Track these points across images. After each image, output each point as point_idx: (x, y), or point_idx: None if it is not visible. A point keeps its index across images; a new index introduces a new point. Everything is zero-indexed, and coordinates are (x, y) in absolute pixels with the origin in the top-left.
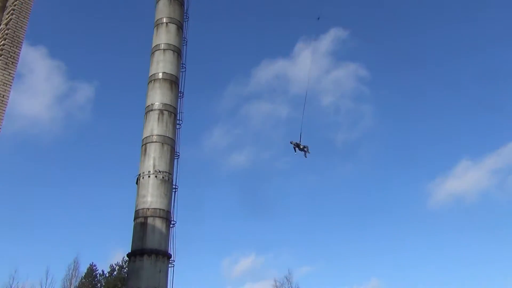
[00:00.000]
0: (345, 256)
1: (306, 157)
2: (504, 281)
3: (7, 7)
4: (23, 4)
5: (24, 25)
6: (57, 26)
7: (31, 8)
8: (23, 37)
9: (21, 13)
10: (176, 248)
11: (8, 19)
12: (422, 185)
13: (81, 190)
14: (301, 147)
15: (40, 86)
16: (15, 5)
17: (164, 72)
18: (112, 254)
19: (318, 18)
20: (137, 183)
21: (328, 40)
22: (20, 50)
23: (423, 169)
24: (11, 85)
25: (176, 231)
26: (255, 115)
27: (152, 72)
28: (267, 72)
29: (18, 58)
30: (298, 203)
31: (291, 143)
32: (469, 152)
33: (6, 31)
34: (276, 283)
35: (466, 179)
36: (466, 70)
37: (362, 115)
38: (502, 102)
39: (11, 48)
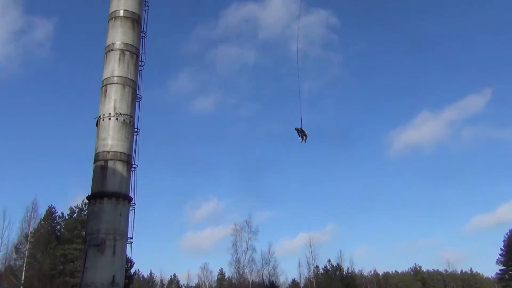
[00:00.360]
0: (304, 202)
1: (301, 142)
2: (454, 223)
3: None
4: None
5: None
6: None
7: None
8: None
9: None
10: (138, 192)
11: None
12: (383, 134)
13: (39, 131)
14: (301, 131)
15: None
16: None
17: (126, 10)
18: (72, 197)
19: None
20: (97, 125)
21: None
22: None
23: (384, 119)
24: None
25: (138, 175)
26: (222, 59)
27: (112, 9)
28: (236, 15)
29: None
30: (261, 150)
31: (296, 129)
32: (429, 104)
33: None
34: (236, 227)
35: (425, 129)
36: (434, 28)
37: (329, 63)
38: (464, 58)
39: None
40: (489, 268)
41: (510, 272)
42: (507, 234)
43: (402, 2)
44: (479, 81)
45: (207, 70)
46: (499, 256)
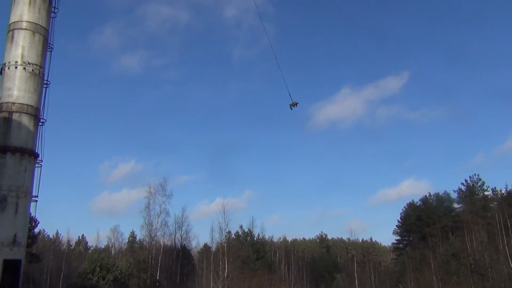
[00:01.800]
0: (224, 168)
1: (291, 109)
2: (362, 196)
3: None
4: None
5: None
6: None
7: None
8: None
9: None
10: (49, 148)
11: None
12: (305, 108)
13: None
14: (293, 105)
15: None
16: None
17: None
18: None
19: None
20: (0, 73)
21: None
22: None
23: (309, 92)
24: None
25: (50, 131)
26: (152, 17)
27: None
28: None
29: None
30: (186, 114)
31: (290, 106)
32: (351, 81)
33: None
34: (150, 189)
35: (344, 106)
36: (368, 12)
37: (263, 33)
38: (388, 35)
39: None
40: (387, 238)
41: (404, 242)
42: (404, 207)
43: None
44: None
45: (135, 27)
46: (395, 228)
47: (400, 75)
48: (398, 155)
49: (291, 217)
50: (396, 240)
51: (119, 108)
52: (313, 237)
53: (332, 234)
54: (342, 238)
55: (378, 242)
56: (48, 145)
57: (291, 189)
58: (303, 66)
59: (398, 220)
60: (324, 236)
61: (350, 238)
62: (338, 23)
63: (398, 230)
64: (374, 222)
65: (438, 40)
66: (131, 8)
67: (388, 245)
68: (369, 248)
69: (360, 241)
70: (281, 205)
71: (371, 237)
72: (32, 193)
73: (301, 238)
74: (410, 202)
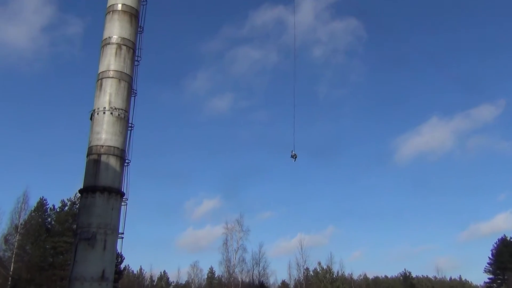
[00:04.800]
0: (306, 204)
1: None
2: (450, 231)
3: None
4: None
5: None
6: None
7: None
8: None
9: None
10: (135, 187)
11: None
12: (389, 140)
13: (34, 122)
14: (293, 155)
15: (28, 16)
16: None
17: (124, 4)
18: (64, 190)
19: None
20: (91, 118)
21: None
22: None
23: (392, 125)
24: None
25: (131, 171)
26: (242, 60)
27: (110, 2)
28: (264, 16)
29: None
30: (268, 151)
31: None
32: (440, 110)
33: None
34: (227, 225)
35: (432, 137)
36: (452, 44)
37: (351, 71)
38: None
39: None
40: (479, 276)
41: (498, 281)
42: (495, 243)
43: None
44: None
45: (224, 70)
46: (487, 265)
47: (495, 104)
48: (492, 188)
49: (373, 254)
50: (489, 279)
51: (210, 146)
52: (396, 275)
53: (417, 272)
54: (428, 276)
55: (468, 281)
56: (138, 184)
57: (375, 224)
58: (390, 98)
59: (489, 257)
60: (408, 274)
61: (437, 276)
62: (424, 61)
63: (490, 268)
64: (464, 259)
65: None
66: (222, 53)
67: (479, 284)
68: (458, 287)
69: (448, 279)
70: (363, 241)
71: (460, 276)
72: (118, 230)
73: (383, 276)
74: (502, 237)
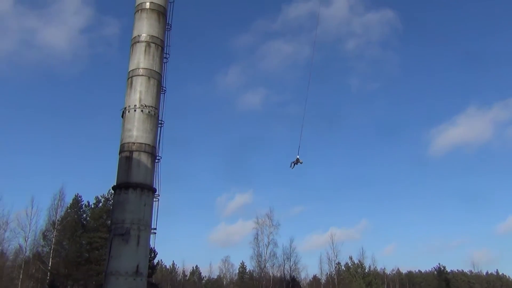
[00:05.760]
0: (339, 198)
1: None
2: (488, 224)
3: None
4: None
5: None
6: None
7: None
8: None
9: None
10: (162, 182)
11: None
12: (425, 131)
13: (69, 120)
14: (296, 162)
15: (68, 17)
16: None
17: (152, 2)
18: (97, 186)
19: None
20: (122, 116)
21: None
22: None
23: (428, 114)
24: None
25: (162, 167)
26: (274, 55)
27: (139, 1)
28: (297, 10)
29: None
30: (302, 148)
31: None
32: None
33: None
34: (258, 220)
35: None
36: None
37: (385, 64)
38: None
39: None
40: None
41: None
42: None
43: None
44: None
45: (256, 65)
46: None
47: None
48: None
49: (406, 248)
50: None
51: (240, 142)
52: (430, 270)
53: (452, 266)
54: (463, 270)
55: (506, 276)
56: (171, 181)
57: (408, 219)
58: (424, 89)
59: None
60: (442, 268)
61: (473, 270)
62: (460, 56)
63: None
64: (502, 253)
65: None
66: (254, 47)
67: None
68: (495, 282)
69: (485, 274)
70: (396, 235)
71: (497, 270)
72: (151, 225)
73: (417, 271)
74: None
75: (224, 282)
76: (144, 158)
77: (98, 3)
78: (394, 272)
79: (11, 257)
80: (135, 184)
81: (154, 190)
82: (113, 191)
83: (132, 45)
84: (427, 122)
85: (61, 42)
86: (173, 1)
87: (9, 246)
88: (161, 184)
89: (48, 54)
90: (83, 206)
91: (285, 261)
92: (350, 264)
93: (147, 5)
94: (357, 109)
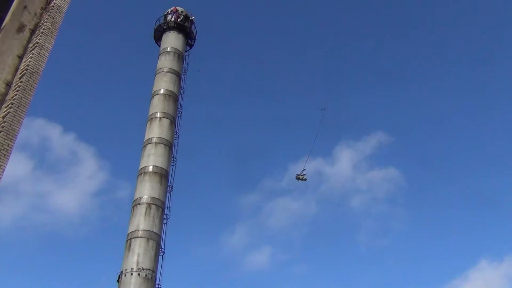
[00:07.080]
0: None
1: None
2: None
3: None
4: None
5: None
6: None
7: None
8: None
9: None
10: None
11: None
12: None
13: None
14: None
15: (82, 181)
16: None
17: (155, 166)
18: None
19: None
20: (118, 281)
21: (368, 144)
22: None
23: (439, 270)
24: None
25: None
26: (280, 212)
27: (142, 165)
28: (304, 167)
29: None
30: None
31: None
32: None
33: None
34: None
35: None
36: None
37: (392, 221)
38: None
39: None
40: None
41: None
42: None
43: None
44: None
45: (262, 224)
46: None
47: None
48: None
49: None
50: None
51: None
52: None
53: None
54: None
55: None
56: None
57: None
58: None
59: None
60: None
61: None
62: (472, 202)
63: None
64: None
65: None
66: (260, 206)
67: None
68: None
69: None
70: None
71: None
72: None
73: None
74: None
75: None
76: None
77: (113, 168)
78: None
79: None
80: None
81: None
82: None
83: (133, 207)
84: (436, 277)
85: (72, 205)
86: (175, 164)
87: None
88: None
89: (58, 217)
90: None
91: None
92: None
93: (150, 168)
94: (367, 268)
